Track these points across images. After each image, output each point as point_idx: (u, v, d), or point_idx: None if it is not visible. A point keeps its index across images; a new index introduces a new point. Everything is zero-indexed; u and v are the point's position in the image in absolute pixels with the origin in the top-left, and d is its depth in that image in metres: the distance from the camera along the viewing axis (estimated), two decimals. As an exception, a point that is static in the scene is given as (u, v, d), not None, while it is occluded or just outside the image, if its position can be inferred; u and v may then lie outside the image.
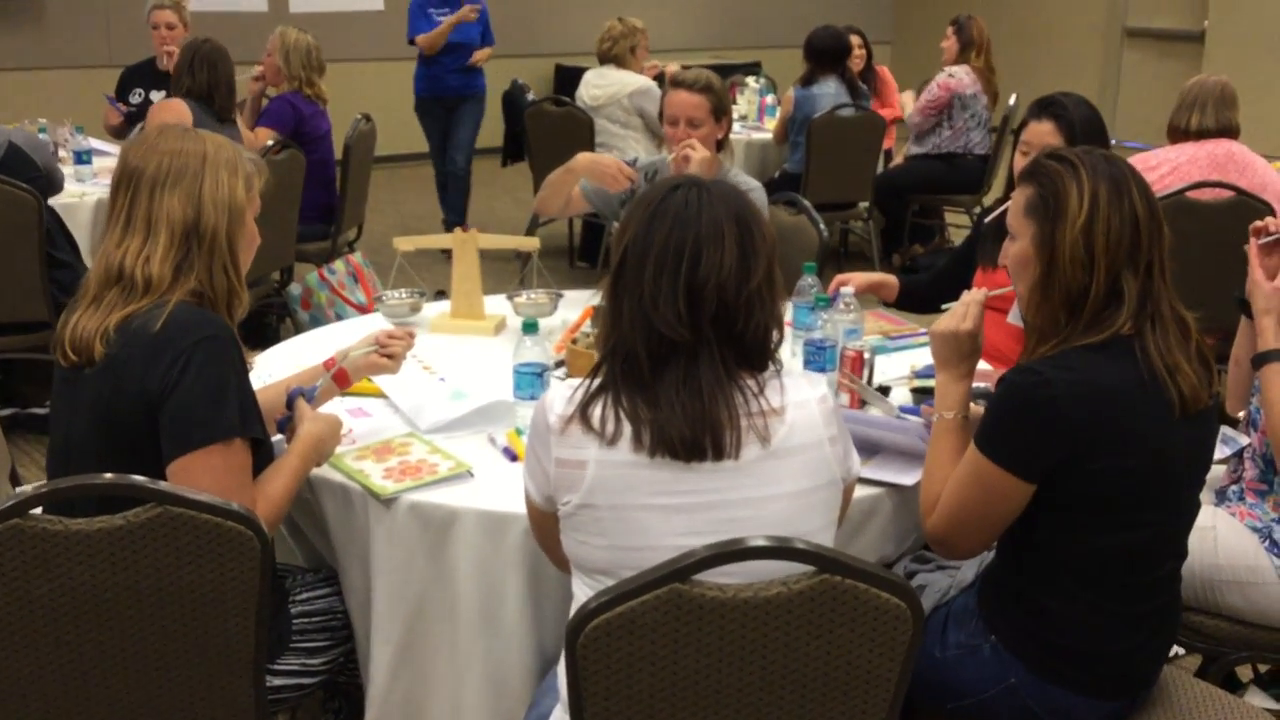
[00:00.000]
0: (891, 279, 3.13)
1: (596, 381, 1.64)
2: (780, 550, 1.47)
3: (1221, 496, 2.44)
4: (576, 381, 1.66)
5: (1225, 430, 2.68)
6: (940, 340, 2.07)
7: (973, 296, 2.08)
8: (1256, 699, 2.30)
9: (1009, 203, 2.90)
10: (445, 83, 6.63)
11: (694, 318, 1.57)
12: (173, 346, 1.82)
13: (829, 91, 6.04)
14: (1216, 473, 2.53)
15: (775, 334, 1.66)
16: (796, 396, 1.63)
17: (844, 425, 1.71)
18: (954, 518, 1.92)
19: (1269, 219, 2.44)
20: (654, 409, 1.57)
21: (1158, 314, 1.85)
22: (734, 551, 1.46)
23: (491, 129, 8.42)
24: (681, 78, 3.24)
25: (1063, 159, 1.89)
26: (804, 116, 5.97)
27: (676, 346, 1.58)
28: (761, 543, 1.47)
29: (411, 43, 6.56)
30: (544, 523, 1.74)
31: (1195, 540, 2.25)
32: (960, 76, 6.20)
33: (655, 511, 1.58)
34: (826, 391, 1.68)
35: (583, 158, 3.19)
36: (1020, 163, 2.95)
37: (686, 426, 1.56)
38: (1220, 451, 2.61)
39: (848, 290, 2.68)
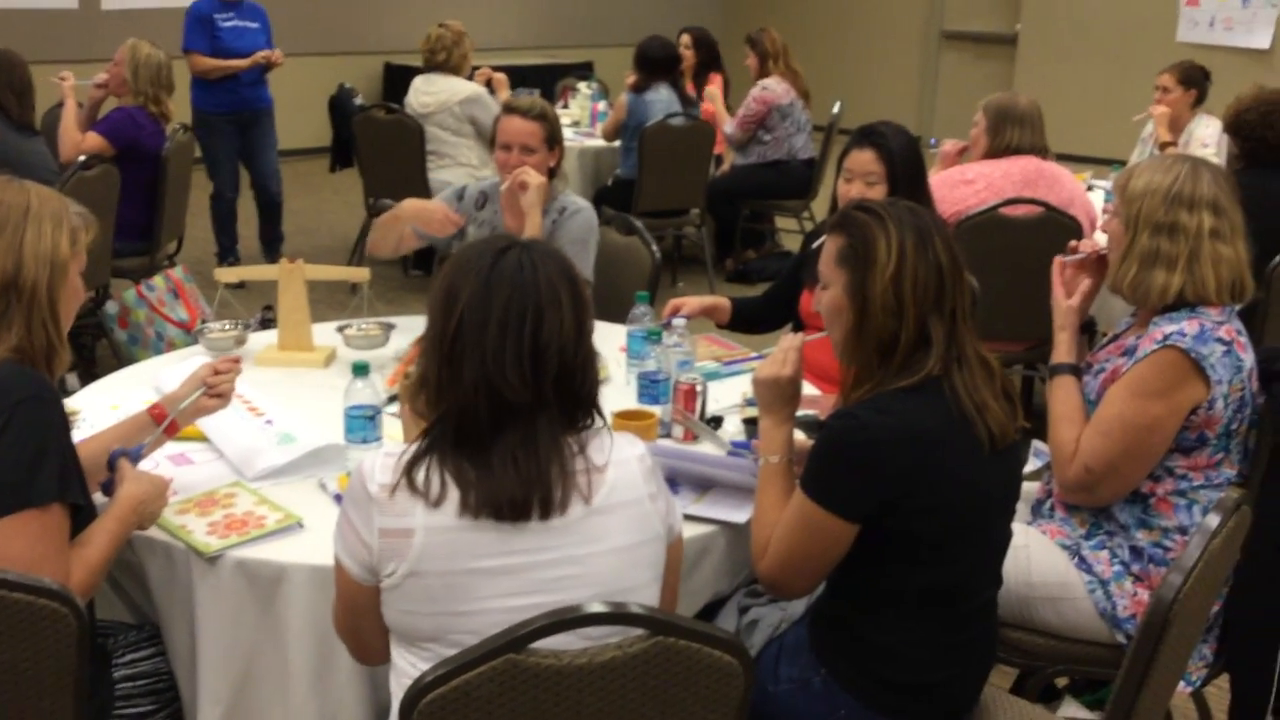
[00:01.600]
0: (724, 302, 3.18)
1: (422, 444, 1.62)
2: (615, 616, 1.48)
3: (1036, 512, 2.55)
4: (396, 448, 1.64)
5: (1036, 443, 2.82)
6: (763, 386, 2.12)
7: (791, 342, 2.14)
8: (1071, 709, 2.42)
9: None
10: (240, 95, 6.13)
11: (537, 380, 1.58)
12: None
13: (661, 98, 6.11)
14: (1030, 486, 2.66)
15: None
16: (618, 455, 1.66)
17: (664, 484, 1.72)
18: (784, 561, 1.96)
19: (1081, 241, 2.58)
20: (484, 470, 1.57)
21: (963, 356, 1.94)
22: (568, 620, 1.46)
23: (317, 131, 8.24)
24: (516, 104, 3.23)
25: (870, 210, 1.97)
26: (636, 123, 6.03)
27: (516, 408, 1.58)
28: (598, 608, 1.48)
29: (186, 53, 6.02)
30: (359, 598, 1.66)
31: (1010, 560, 2.35)
32: (773, 88, 6.35)
33: (483, 575, 1.58)
34: (645, 451, 1.70)
35: (408, 205, 3.15)
36: (843, 189, 3.03)
37: (519, 488, 1.57)
38: (1031, 464, 2.74)
39: (680, 320, 2.71)
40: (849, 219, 1.98)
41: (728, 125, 6.47)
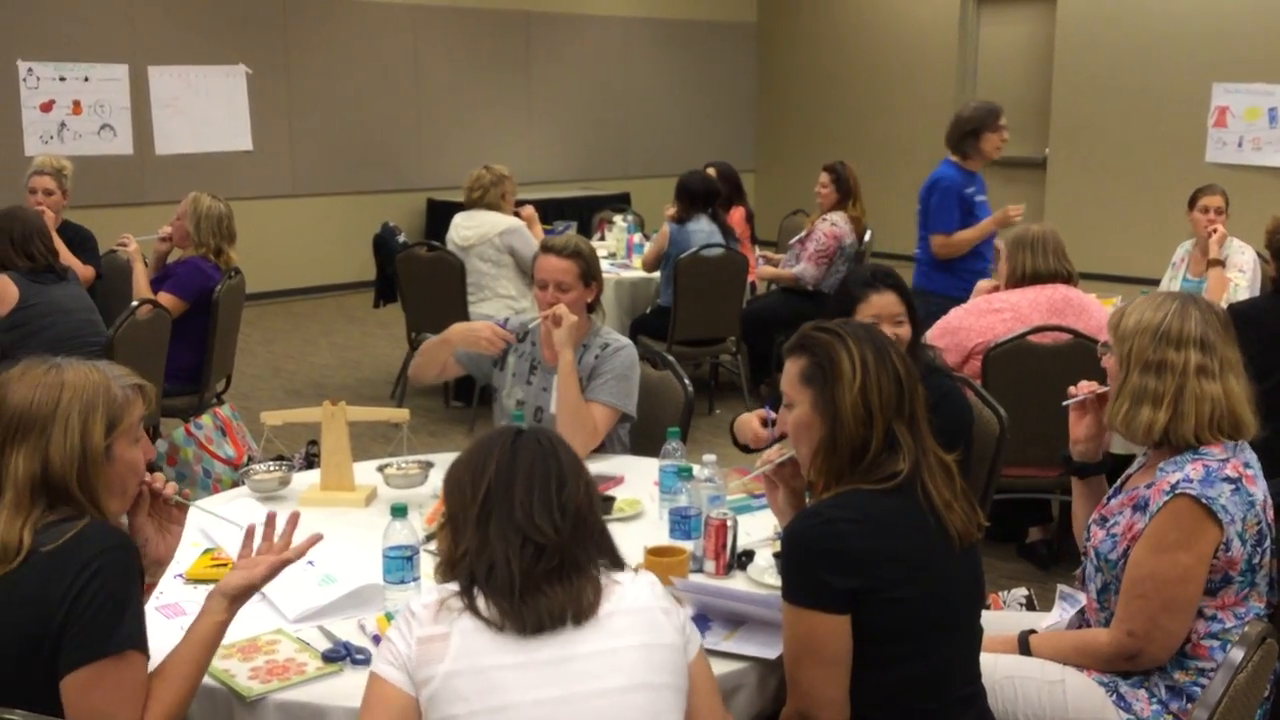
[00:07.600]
0: None
1: (457, 586, 1.77)
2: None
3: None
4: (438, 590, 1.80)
5: (1063, 588, 2.81)
6: None
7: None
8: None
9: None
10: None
11: (564, 524, 1.79)
12: (79, 556, 1.81)
13: (702, 229, 6.30)
14: (1062, 629, 2.65)
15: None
16: (629, 577, 1.85)
17: (678, 608, 1.86)
18: (798, 687, 2.03)
19: (1082, 383, 2.58)
20: (516, 599, 1.73)
21: (925, 458, 2.08)
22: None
23: (362, 265, 8.46)
24: (551, 243, 3.34)
25: (827, 329, 2.14)
26: (677, 252, 6.21)
27: (544, 550, 1.76)
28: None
29: (924, 239, 5.29)
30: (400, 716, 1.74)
31: (1047, 695, 2.36)
32: (841, 225, 6.48)
33: (512, 670, 1.70)
34: (663, 593, 1.87)
35: (457, 328, 3.28)
36: None
37: (555, 607, 1.74)
38: (1062, 609, 2.72)
39: (710, 457, 2.76)
40: (808, 339, 2.14)
41: (798, 267, 6.47)
